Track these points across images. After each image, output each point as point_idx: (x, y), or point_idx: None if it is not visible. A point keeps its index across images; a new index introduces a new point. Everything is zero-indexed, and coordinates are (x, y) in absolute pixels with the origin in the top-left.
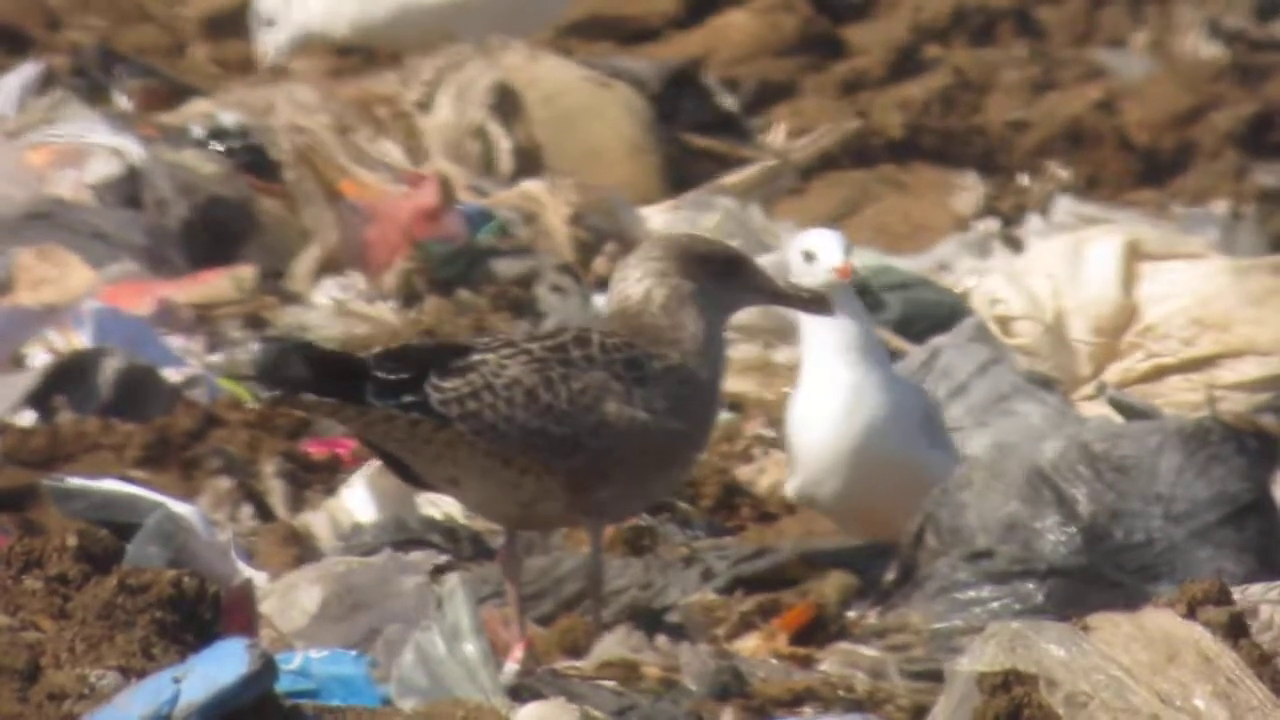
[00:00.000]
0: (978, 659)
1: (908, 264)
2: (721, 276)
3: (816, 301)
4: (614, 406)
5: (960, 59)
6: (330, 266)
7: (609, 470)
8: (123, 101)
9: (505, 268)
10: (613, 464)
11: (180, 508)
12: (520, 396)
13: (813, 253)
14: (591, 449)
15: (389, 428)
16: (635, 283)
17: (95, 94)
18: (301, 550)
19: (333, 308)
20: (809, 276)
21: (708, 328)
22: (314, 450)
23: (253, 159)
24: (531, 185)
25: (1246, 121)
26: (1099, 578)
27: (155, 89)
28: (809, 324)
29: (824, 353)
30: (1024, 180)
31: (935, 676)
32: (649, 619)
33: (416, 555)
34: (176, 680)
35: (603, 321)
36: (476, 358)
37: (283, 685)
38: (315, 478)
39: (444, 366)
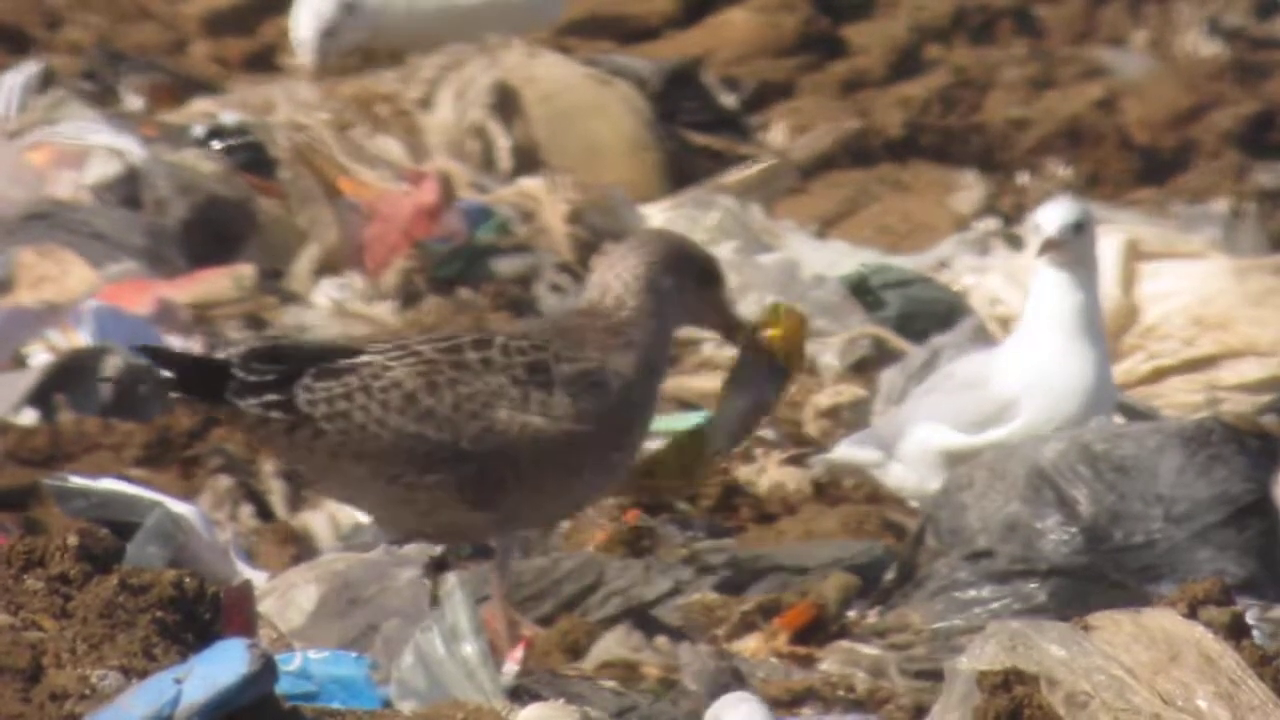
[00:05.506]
0: (978, 658)
1: (907, 263)
2: (697, 284)
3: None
4: (504, 414)
5: (960, 58)
6: (329, 266)
7: (505, 477)
8: (130, 100)
9: (505, 266)
10: (508, 471)
11: (180, 507)
12: (398, 400)
13: (1039, 224)
14: (479, 456)
15: (269, 433)
16: (616, 276)
17: (104, 95)
18: (301, 550)
19: (332, 308)
20: (1034, 245)
21: (661, 330)
22: None
23: (253, 158)
24: (531, 183)
25: (1247, 120)
26: (1100, 578)
27: (163, 86)
28: (1038, 283)
29: (1043, 314)
30: (1024, 179)
31: (936, 676)
32: (647, 619)
33: (411, 548)
34: (178, 681)
35: (536, 320)
36: (363, 359)
37: (283, 686)
38: None
39: (322, 367)
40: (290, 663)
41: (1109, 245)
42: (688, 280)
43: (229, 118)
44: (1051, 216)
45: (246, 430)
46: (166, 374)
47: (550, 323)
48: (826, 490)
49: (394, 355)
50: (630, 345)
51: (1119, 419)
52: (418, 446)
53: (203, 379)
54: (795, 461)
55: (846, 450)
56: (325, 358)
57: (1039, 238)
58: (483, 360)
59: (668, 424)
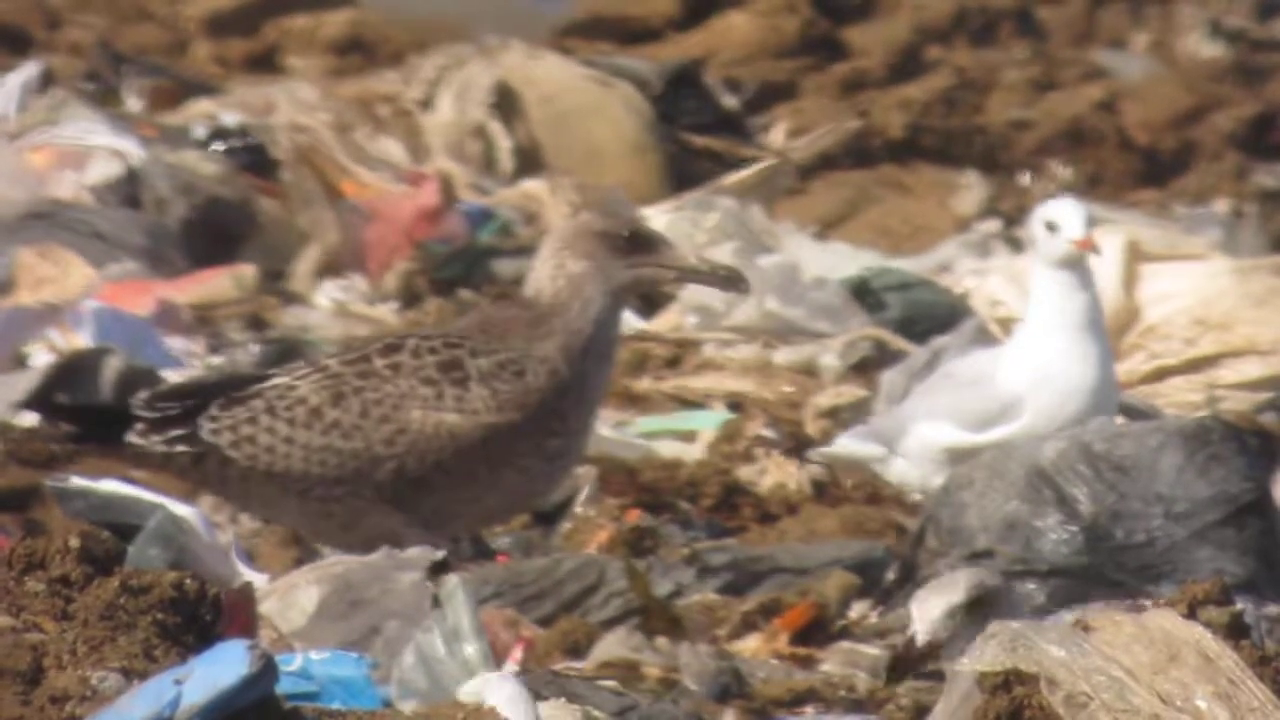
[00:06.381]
0: (978, 659)
1: (909, 265)
2: (621, 251)
3: (732, 279)
4: (418, 413)
5: (961, 59)
6: (331, 267)
7: (428, 477)
8: (132, 101)
9: (506, 268)
10: (430, 470)
11: (181, 509)
12: (303, 415)
13: (1055, 223)
14: (394, 458)
15: (177, 468)
16: (539, 271)
17: (106, 96)
18: (302, 552)
19: (333, 309)
20: (1051, 245)
21: (585, 311)
22: None
23: (253, 159)
24: (532, 185)
25: (1247, 122)
26: (1100, 578)
27: (165, 88)
28: (1039, 284)
29: (1045, 314)
30: (1025, 180)
31: (936, 676)
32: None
33: (413, 552)
34: (178, 682)
35: (465, 317)
36: (269, 383)
37: (283, 687)
38: None
39: (229, 396)
40: (291, 663)
41: (1110, 246)
42: (607, 254)
43: (230, 119)
44: (1076, 217)
45: (156, 469)
46: (67, 428)
47: (476, 319)
48: (827, 490)
49: (300, 374)
50: (552, 333)
51: (1120, 418)
52: (328, 459)
53: (104, 427)
54: (794, 453)
55: (847, 443)
56: (233, 388)
57: (1065, 238)
58: (390, 366)
59: (668, 424)
